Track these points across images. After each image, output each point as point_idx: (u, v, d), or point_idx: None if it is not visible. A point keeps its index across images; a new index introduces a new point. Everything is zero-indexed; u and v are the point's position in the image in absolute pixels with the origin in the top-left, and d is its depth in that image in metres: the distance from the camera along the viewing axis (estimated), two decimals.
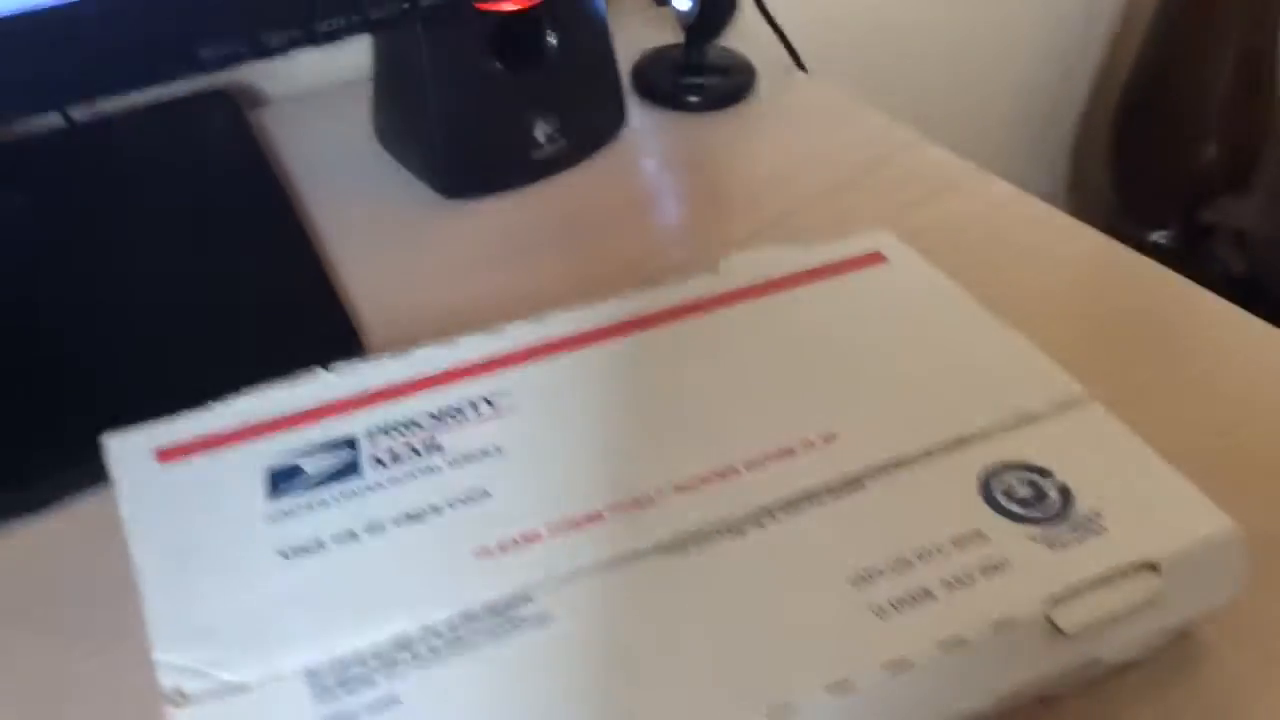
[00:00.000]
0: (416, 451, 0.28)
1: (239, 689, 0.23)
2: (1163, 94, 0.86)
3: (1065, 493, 0.27)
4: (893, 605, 0.25)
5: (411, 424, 0.29)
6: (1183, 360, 0.38)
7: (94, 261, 0.40)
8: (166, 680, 0.23)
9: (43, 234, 0.41)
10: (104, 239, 0.41)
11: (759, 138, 0.50)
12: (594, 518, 0.27)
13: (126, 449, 0.28)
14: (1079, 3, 0.88)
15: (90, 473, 0.29)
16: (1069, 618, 0.25)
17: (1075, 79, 0.93)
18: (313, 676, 0.23)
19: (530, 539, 0.26)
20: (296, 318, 0.38)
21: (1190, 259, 0.82)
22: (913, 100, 0.74)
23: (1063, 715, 0.27)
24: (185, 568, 0.25)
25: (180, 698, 0.23)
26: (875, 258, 0.35)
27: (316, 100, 0.52)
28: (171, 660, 0.23)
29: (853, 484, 0.28)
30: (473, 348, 0.32)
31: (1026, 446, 0.28)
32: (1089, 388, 0.30)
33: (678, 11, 0.50)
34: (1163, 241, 0.89)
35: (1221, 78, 0.83)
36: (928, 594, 0.25)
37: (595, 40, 0.47)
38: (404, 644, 0.24)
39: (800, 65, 0.55)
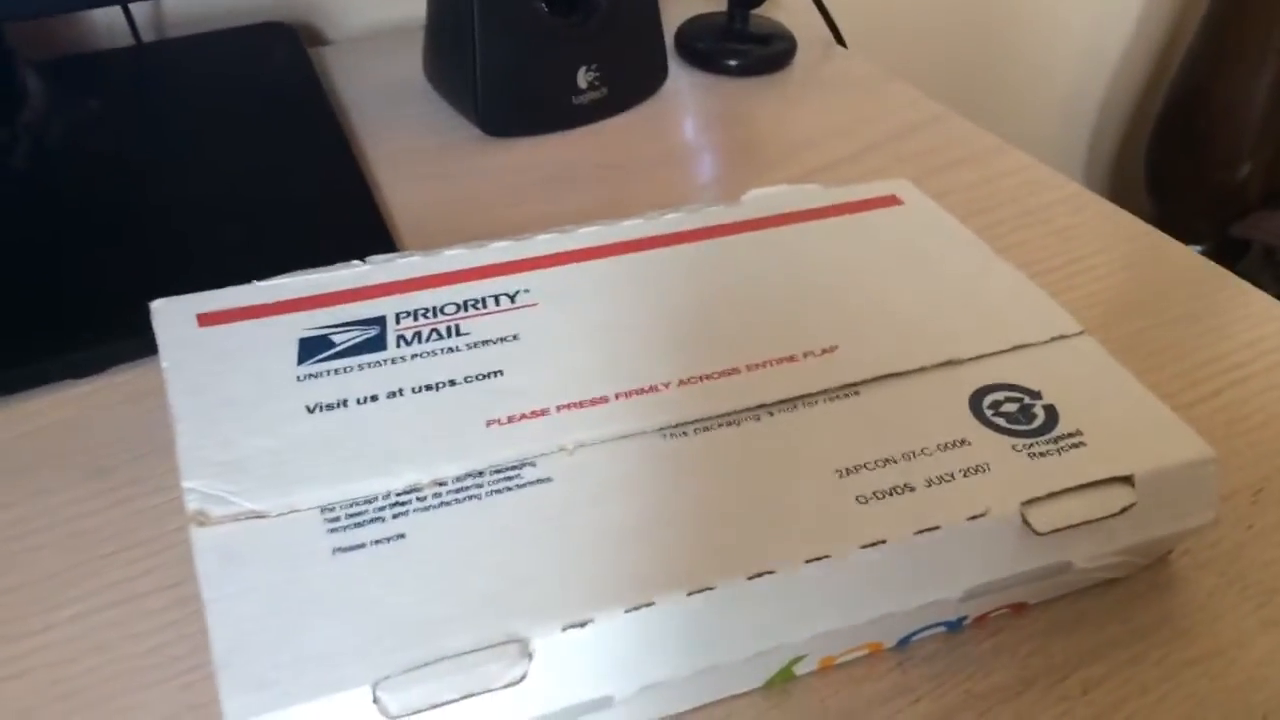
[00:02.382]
0: (439, 333, 0.30)
1: (257, 515, 0.25)
2: (1201, 108, 0.86)
3: (1051, 411, 0.28)
4: (875, 495, 0.26)
5: (437, 310, 0.31)
6: (1177, 319, 0.39)
7: (157, 162, 0.42)
8: (192, 504, 0.25)
9: (112, 135, 0.43)
10: (167, 143, 0.43)
11: (793, 104, 0.51)
12: (599, 401, 0.28)
13: (170, 311, 0.30)
14: (1129, 14, 0.89)
15: (144, 344, 0.31)
16: (1042, 518, 0.26)
17: (1120, 88, 0.93)
18: (327, 511, 0.25)
19: (538, 414, 0.28)
20: (339, 222, 0.40)
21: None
22: (954, 95, 0.75)
23: (1035, 621, 0.28)
24: (216, 413, 0.27)
25: (204, 518, 0.24)
26: (891, 200, 0.37)
27: (373, 42, 0.54)
28: (197, 487, 0.25)
29: (848, 390, 0.29)
30: (500, 252, 0.33)
31: (1018, 369, 0.30)
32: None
33: None
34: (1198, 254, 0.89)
35: (1259, 94, 0.83)
36: (909, 488, 0.26)
37: None
38: (413, 491, 0.25)
39: (840, 40, 0.57)
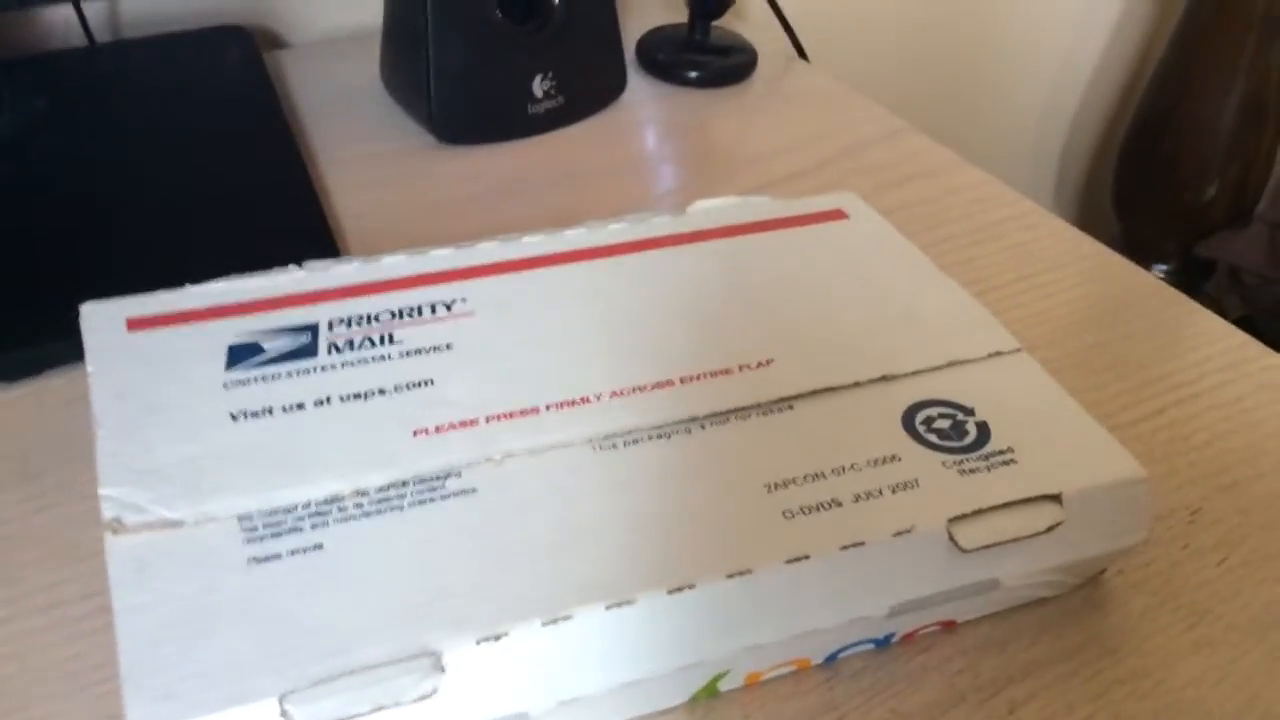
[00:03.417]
0: (372, 342, 0.30)
1: (173, 524, 0.24)
2: (1169, 128, 0.87)
3: (983, 428, 0.28)
4: (802, 510, 0.26)
5: (371, 318, 0.30)
6: (1125, 337, 0.39)
7: (102, 163, 0.42)
8: (108, 512, 0.24)
9: (59, 135, 0.43)
10: (112, 144, 0.43)
11: (752, 116, 0.51)
12: (530, 411, 0.28)
13: (99, 315, 0.30)
14: (1099, 33, 0.90)
15: (78, 347, 0.30)
16: (969, 535, 0.26)
17: (1090, 107, 0.94)
18: (244, 520, 0.25)
19: (466, 425, 0.27)
20: (281, 227, 0.40)
21: (1188, 293, 0.82)
22: (920, 113, 0.76)
23: (964, 639, 0.28)
24: (139, 420, 0.27)
25: (118, 526, 0.24)
26: (837, 214, 0.37)
27: (331, 47, 0.54)
28: (114, 495, 0.25)
29: (781, 404, 0.29)
30: (440, 260, 0.33)
31: (953, 386, 0.30)
32: (1026, 349, 0.31)
33: None
34: (1162, 275, 0.90)
35: (1226, 116, 0.84)
36: (836, 503, 0.26)
37: (599, 3, 0.48)
38: (334, 501, 0.25)
39: (802, 53, 0.57)
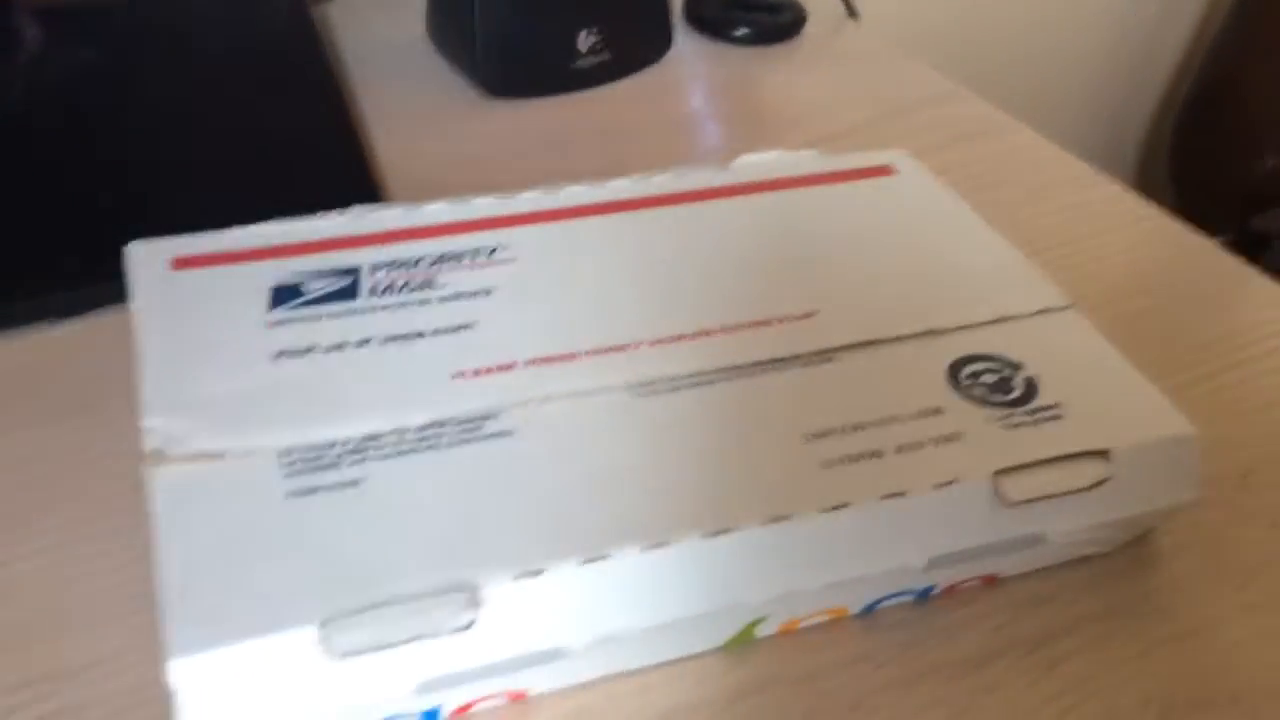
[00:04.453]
0: (412, 286, 0.30)
1: (214, 456, 0.24)
2: (1228, 98, 0.85)
3: (1031, 384, 0.28)
4: (842, 460, 0.26)
5: (412, 262, 0.30)
6: (1178, 301, 0.38)
7: (149, 109, 0.42)
8: (150, 443, 0.25)
9: (105, 82, 0.43)
10: (160, 92, 0.43)
11: (799, 74, 0.51)
12: (569, 356, 0.28)
13: (145, 254, 0.30)
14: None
15: (120, 289, 0.31)
16: (1013, 488, 0.25)
17: (1148, 75, 0.92)
18: (284, 454, 0.25)
19: (505, 368, 0.27)
20: (326, 174, 0.40)
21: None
22: (973, 78, 0.74)
23: (1007, 594, 0.28)
24: (182, 356, 0.27)
25: (160, 456, 0.24)
26: (885, 170, 0.36)
27: (376, 1, 0.54)
28: (157, 426, 0.25)
29: (822, 356, 0.28)
30: (482, 208, 0.33)
31: (1001, 341, 0.29)
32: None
33: None
34: (1204, 238, 0.88)
35: None
36: (877, 454, 0.26)
37: None
38: (373, 439, 0.25)
39: (852, 12, 0.56)
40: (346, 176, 0.40)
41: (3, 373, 0.32)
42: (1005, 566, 0.28)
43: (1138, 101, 0.94)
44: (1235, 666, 0.26)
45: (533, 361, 0.28)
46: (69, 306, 0.34)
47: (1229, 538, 0.30)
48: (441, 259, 0.31)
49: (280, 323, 0.28)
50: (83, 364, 0.33)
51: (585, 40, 0.47)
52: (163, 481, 0.24)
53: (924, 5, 0.75)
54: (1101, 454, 0.26)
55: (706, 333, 0.29)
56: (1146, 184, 0.98)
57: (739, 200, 0.34)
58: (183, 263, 0.30)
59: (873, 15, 0.58)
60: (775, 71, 0.51)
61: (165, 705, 0.24)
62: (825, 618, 0.27)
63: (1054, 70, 0.85)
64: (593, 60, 0.47)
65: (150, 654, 0.25)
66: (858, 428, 0.26)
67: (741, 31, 0.52)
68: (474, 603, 0.22)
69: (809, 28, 0.54)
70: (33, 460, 0.30)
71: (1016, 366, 0.28)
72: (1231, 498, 0.31)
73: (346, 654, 0.21)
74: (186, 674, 0.21)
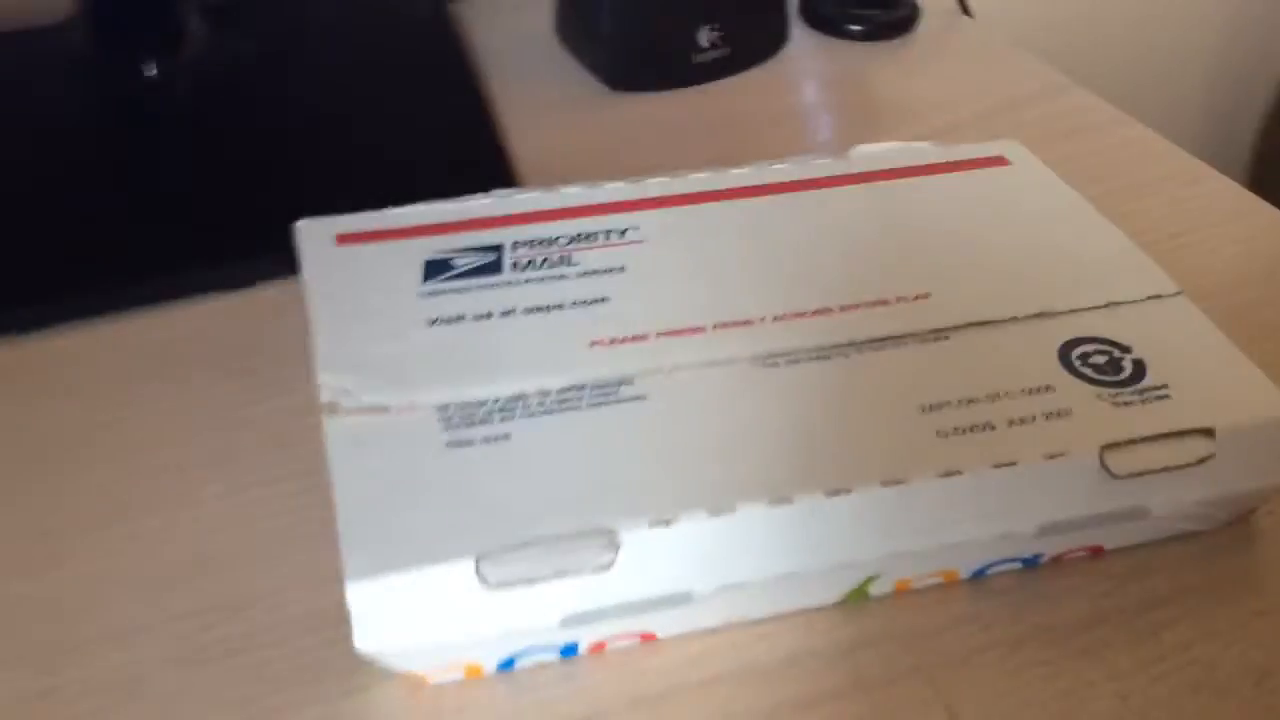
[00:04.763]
0: (551, 262, 0.32)
1: (381, 409, 0.27)
2: None
3: (1139, 365, 0.29)
4: (956, 430, 0.27)
5: (551, 240, 0.33)
6: None
7: (305, 99, 0.46)
8: (325, 395, 0.27)
9: (265, 73, 0.47)
10: (315, 83, 0.47)
11: (913, 70, 0.52)
12: (697, 329, 0.30)
13: (313, 230, 0.33)
14: None
15: (288, 261, 0.34)
16: (1119, 462, 0.27)
17: (1262, 74, 0.91)
18: (442, 410, 0.27)
19: (638, 339, 0.30)
20: (467, 160, 0.43)
21: None
22: (1086, 66, 0.74)
23: (1111, 565, 0.29)
24: (349, 321, 0.30)
25: (335, 408, 0.27)
26: (999, 160, 0.37)
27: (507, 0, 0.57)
28: (330, 382, 0.28)
29: (937, 335, 0.30)
30: (614, 192, 0.35)
31: (1111, 325, 0.30)
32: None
33: None
34: None
35: None
36: (989, 426, 0.27)
37: None
38: (519, 399, 0.28)
39: (966, 9, 0.57)
40: (483, 163, 0.43)
41: (185, 336, 0.36)
42: (1110, 538, 0.29)
43: (1250, 100, 0.92)
44: None
45: (663, 333, 0.30)
46: (239, 278, 0.37)
47: None
48: (577, 238, 0.33)
49: (433, 293, 0.31)
50: (253, 329, 0.36)
51: (706, 36, 0.49)
52: (337, 431, 0.26)
53: (1038, 1, 0.75)
54: (1206, 432, 0.27)
55: (825, 310, 0.31)
56: (1260, 183, 0.96)
57: (856, 188, 0.36)
58: (346, 238, 0.33)
59: (986, 10, 0.59)
60: (889, 66, 0.52)
61: (328, 635, 0.27)
62: (936, 580, 0.28)
63: (1167, 66, 0.85)
64: (712, 55, 0.49)
65: (315, 589, 0.28)
66: (971, 401, 0.28)
67: (856, 27, 0.54)
68: (612, 545, 0.24)
69: (923, 24, 0.55)
70: (215, 414, 0.33)
71: (1126, 348, 0.30)
72: None
73: (498, 585, 0.24)
74: (361, 597, 0.23)
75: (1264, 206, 0.43)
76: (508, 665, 0.27)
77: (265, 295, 0.37)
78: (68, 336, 0.35)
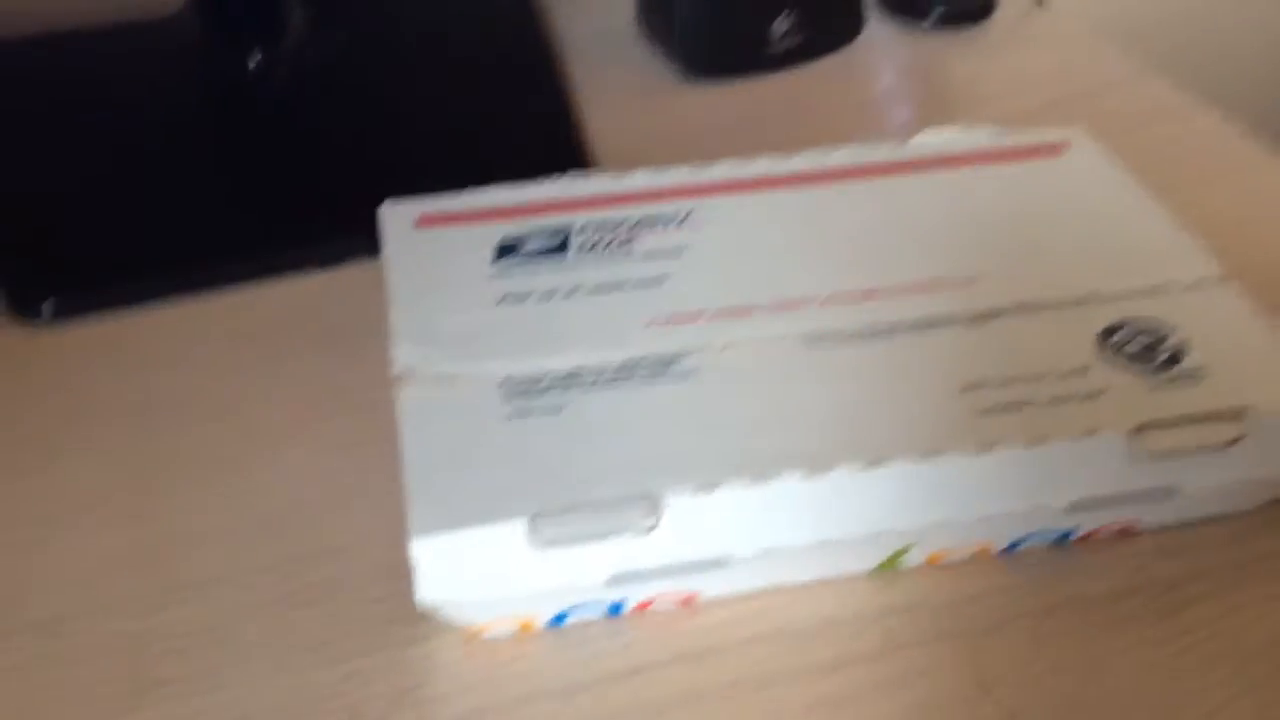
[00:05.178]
0: (615, 244, 0.34)
1: (450, 378, 0.29)
2: None
3: (1178, 349, 0.30)
4: (992, 409, 0.28)
5: (616, 224, 0.35)
6: None
7: (393, 87, 0.49)
8: (398, 366, 0.30)
9: (357, 62, 0.50)
10: (402, 71, 0.50)
11: (987, 58, 0.53)
12: (748, 310, 0.32)
13: (396, 213, 0.35)
14: None
15: (369, 243, 0.36)
16: (1151, 442, 0.28)
17: None
18: (506, 380, 0.29)
19: (693, 318, 0.31)
20: (544, 147, 0.45)
21: None
22: (1165, 54, 0.74)
23: (1143, 543, 0.30)
24: (425, 297, 0.32)
25: (408, 377, 0.29)
26: (1060, 147, 0.38)
27: None
28: (404, 353, 0.30)
29: (982, 318, 0.31)
30: (680, 177, 0.37)
31: (1154, 308, 0.31)
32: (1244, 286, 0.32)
33: None
34: None
35: None
36: (1026, 405, 0.28)
37: None
38: (578, 372, 0.30)
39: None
40: (561, 149, 0.45)
41: (280, 311, 0.38)
42: (1143, 516, 0.30)
43: None
44: None
45: (718, 313, 0.31)
46: (329, 256, 0.40)
47: None
48: (641, 222, 0.35)
49: (503, 273, 0.33)
50: (339, 305, 0.38)
51: (780, 25, 0.50)
52: (408, 397, 0.29)
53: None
54: (1238, 415, 0.28)
55: (874, 293, 0.32)
56: None
57: (914, 175, 0.37)
58: (426, 220, 0.35)
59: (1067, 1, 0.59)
60: (963, 55, 0.53)
61: (395, 587, 0.29)
62: (971, 551, 0.30)
63: (1246, 56, 0.83)
64: (787, 44, 0.51)
65: (386, 545, 0.30)
66: (1010, 381, 0.29)
67: (932, 16, 0.54)
68: (657, 509, 0.26)
69: (999, 12, 0.56)
70: (301, 382, 0.36)
71: (1166, 333, 0.30)
72: None
73: (550, 544, 0.26)
74: (424, 550, 0.26)
75: None
76: (559, 621, 0.29)
77: (354, 273, 0.39)
78: (174, 310, 0.38)
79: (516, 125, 0.46)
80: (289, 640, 0.28)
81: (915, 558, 0.30)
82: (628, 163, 0.45)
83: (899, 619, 0.28)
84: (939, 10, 0.54)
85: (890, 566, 0.30)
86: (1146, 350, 0.30)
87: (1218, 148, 0.45)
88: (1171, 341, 0.30)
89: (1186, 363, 0.30)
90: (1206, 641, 0.27)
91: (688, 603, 0.29)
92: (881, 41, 0.54)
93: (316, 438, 0.34)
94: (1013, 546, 0.30)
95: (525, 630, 0.29)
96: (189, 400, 0.35)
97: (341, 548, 0.31)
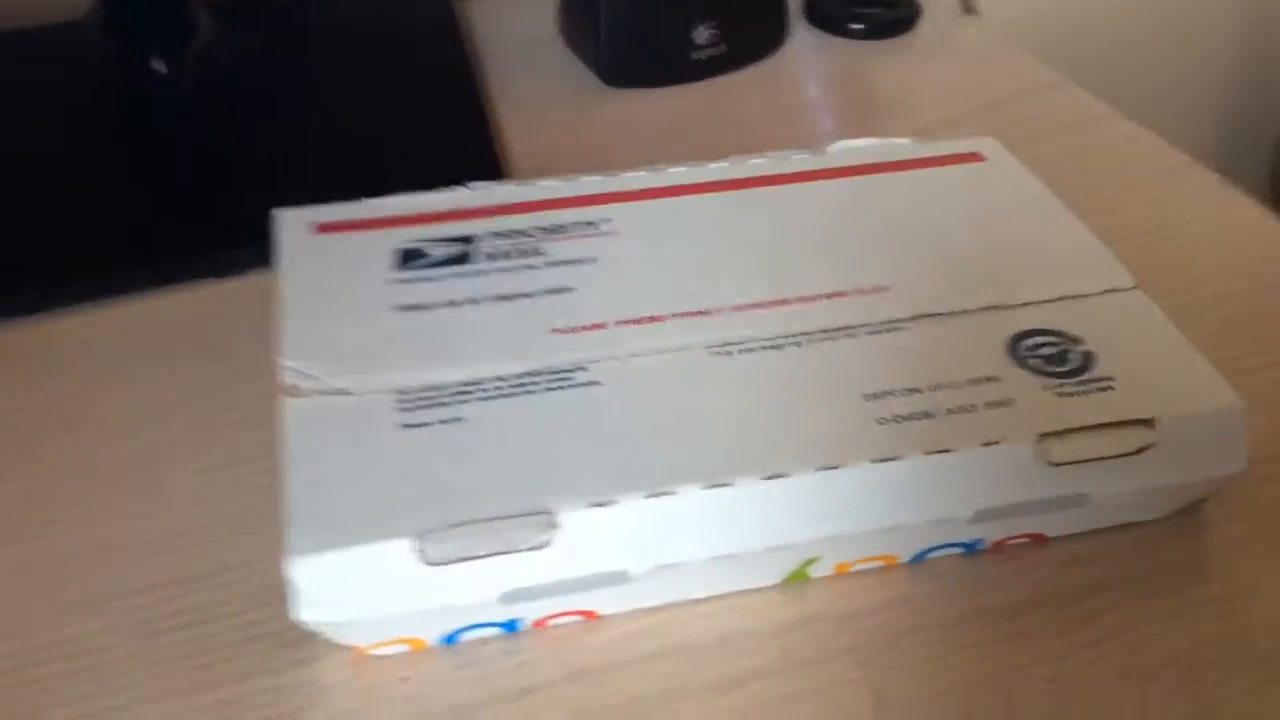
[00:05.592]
0: (522, 252, 0.33)
1: (341, 392, 0.28)
2: None
3: (1088, 357, 0.30)
4: (895, 418, 0.28)
5: (522, 232, 0.34)
6: (1262, 290, 0.38)
7: (301, 93, 0.48)
8: (287, 379, 0.29)
9: (266, 69, 0.49)
10: (312, 78, 0.49)
11: (911, 67, 0.53)
12: (655, 319, 0.31)
13: (292, 219, 0.34)
14: None
15: (266, 251, 0.35)
16: (1057, 450, 0.27)
17: (1273, 73, 0.90)
18: (401, 394, 0.28)
19: (597, 327, 0.31)
20: (459, 155, 0.44)
21: None
22: (1091, 66, 0.74)
23: (1053, 552, 0.30)
24: (319, 306, 0.31)
25: (295, 390, 0.28)
26: (974, 156, 0.38)
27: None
28: (293, 365, 0.29)
29: (891, 326, 0.31)
30: (590, 185, 0.36)
31: (1064, 317, 0.31)
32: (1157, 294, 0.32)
33: None
34: None
35: None
36: (929, 414, 0.28)
37: None
38: (476, 383, 0.29)
39: (969, 9, 0.57)
40: (476, 157, 0.44)
41: (174, 322, 0.37)
42: (1052, 526, 0.30)
43: (1271, 99, 0.91)
44: (1266, 630, 0.28)
45: (622, 322, 0.31)
46: (226, 266, 0.39)
47: None
48: (548, 230, 0.34)
49: (404, 281, 0.32)
50: (236, 315, 0.37)
51: (702, 33, 0.50)
52: (295, 411, 0.28)
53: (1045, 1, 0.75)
54: (1147, 422, 0.28)
55: (785, 301, 0.31)
56: (1265, 184, 0.95)
57: (829, 183, 0.37)
58: (324, 227, 0.34)
59: (991, 10, 0.59)
60: (887, 64, 0.53)
61: (282, 608, 0.28)
62: (877, 563, 0.29)
63: (1179, 69, 0.84)
64: (709, 52, 0.50)
65: (275, 565, 0.29)
66: (914, 390, 0.29)
67: (857, 26, 0.54)
68: (551, 525, 0.25)
69: (924, 23, 0.56)
70: (193, 395, 0.34)
71: (1076, 341, 0.30)
72: None
73: (437, 562, 0.25)
74: (302, 572, 0.25)
75: (1242, 201, 0.43)
76: (451, 640, 0.28)
77: (254, 283, 0.38)
78: (63, 320, 0.37)
79: (431, 133, 0.45)
80: (167, 663, 0.27)
81: (821, 570, 0.29)
82: (545, 171, 0.45)
83: (800, 633, 0.28)
84: (865, 21, 0.54)
85: (796, 580, 0.29)
86: (1056, 358, 0.30)
87: (1134, 154, 0.46)
88: (1081, 350, 0.30)
89: (1096, 371, 0.29)
90: (1111, 655, 0.27)
91: (587, 620, 0.28)
92: (805, 51, 0.54)
93: (211, 454, 0.33)
94: (920, 557, 0.29)
95: (417, 649, 0.28)
96: (82, 415, 0.34)
97: (229, 567, 0.29)
